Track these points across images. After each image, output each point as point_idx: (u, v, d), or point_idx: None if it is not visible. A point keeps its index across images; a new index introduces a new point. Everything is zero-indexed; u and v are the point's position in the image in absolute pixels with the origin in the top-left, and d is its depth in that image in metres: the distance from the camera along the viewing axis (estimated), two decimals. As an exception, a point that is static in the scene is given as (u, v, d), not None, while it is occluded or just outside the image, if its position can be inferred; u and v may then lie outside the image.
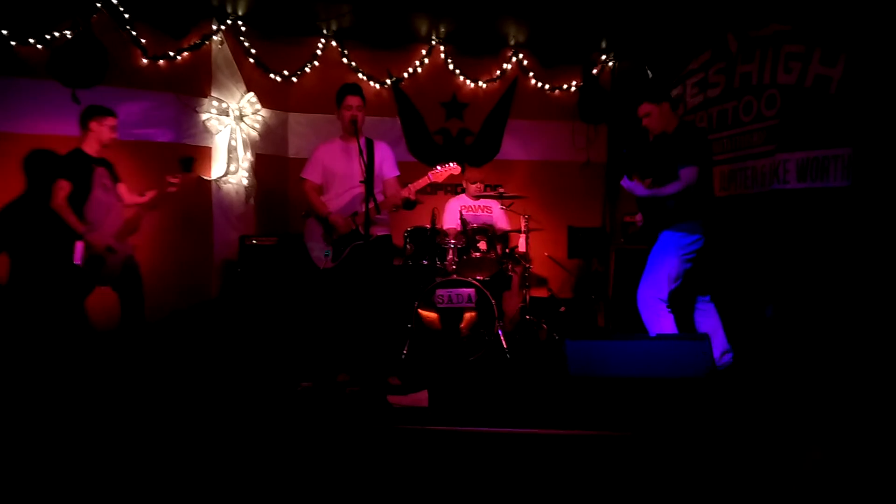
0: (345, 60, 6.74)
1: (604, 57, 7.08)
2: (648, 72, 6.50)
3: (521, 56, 7.03)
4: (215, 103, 6.18)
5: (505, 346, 5.09)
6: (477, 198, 6.07)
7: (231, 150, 6.28)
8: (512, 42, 6.96)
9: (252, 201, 6.47)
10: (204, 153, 6.19)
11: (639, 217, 4.64)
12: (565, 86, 7.12)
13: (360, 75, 6.73)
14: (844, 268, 4.38)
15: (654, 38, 6.44)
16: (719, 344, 4.29)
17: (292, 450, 3.09)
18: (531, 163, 7.17)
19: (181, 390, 4.31)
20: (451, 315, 5.18)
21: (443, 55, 6.91)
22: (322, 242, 4.52)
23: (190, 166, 4.86)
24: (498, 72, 7.02)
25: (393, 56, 6.86)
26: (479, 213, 6.07)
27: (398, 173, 4.65)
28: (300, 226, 4.75)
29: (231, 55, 6.31)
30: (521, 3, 5.98)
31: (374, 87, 6.78)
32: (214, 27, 6.17)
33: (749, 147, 5.30)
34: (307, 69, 6.68)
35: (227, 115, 6.24)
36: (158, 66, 5.91)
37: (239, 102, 6.32)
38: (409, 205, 4.58)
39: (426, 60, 6.90)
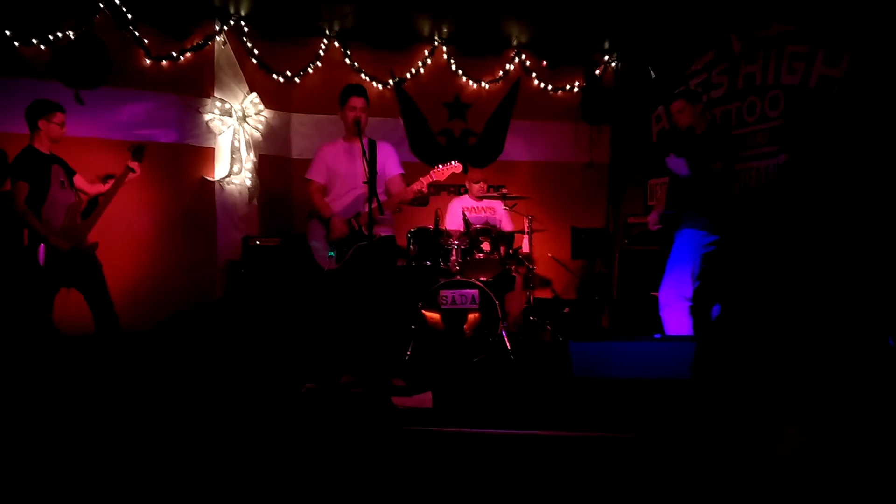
0: (347, 61, 6.74)
1: (606, 57, 7.08)
2: (651, 72, 6.50)
3: (523, 56, 7.03)
4: (218, 104, 6.18)
5: (509, 348, 5.08)
6: (480, 198, 6.06)
7: (234, 150, 6.28)
8: (514, 42, 6.96)
9: (255, 202, 6.47)
10: (207, 154, 6.20)
11: (651, 217, 4.62)
12: (568, 86, 7.12)
13: (362, 76, 6.73)
14: (845, 269, 4.37)
15: (656, 39, 6.43)
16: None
17: (296, 451, 3.09)
18: (534, 163, 7.16)
19: (184, 391, 4.31)
20: (454, 316, 5.17)
21: (445, 56, 6.91)
22: (325, 243, 4.51)
23: (140, 155, 4.66)
24: (500, 72, 7.02)
25: (395, 56, 6.86)
26: (483, 213, 6.06)
27: (402, 171, 4.64)
28: (303, 226, 4.74)
29: (234, 56, 6.31)
30: (523, 3, 5.98)
31: (377, 87, 6.78)
32: (217, 27, 6.17)
33: (753, 147, 5.29)
34: (310, 70, 6.68)
35: (231, 115, 6.25)
36: (161, 66, 5.92)
37: (242, 103, 6.32)
38: (423, 200, 4.54)
39: (429, 61, 6.90)
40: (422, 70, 6.90)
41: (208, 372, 4.82)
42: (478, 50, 6.95)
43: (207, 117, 6.15)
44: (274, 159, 6.63)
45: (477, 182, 6.05)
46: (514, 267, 5.75)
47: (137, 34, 5.76)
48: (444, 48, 6.90)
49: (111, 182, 4.61)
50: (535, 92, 7.08)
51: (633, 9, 5.94)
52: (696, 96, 4.51)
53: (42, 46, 5.36)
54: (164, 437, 3.21)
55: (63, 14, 5.41)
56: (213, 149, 6.23)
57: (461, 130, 7.06)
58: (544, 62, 7.06)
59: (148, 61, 5.84)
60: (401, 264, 5.52)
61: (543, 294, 6.60)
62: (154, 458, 2.98)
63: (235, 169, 6.28)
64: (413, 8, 6.18)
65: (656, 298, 4.41)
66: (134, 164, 4.61)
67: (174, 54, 5.96)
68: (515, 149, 7.12)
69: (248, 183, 6.39)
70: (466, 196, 6.22)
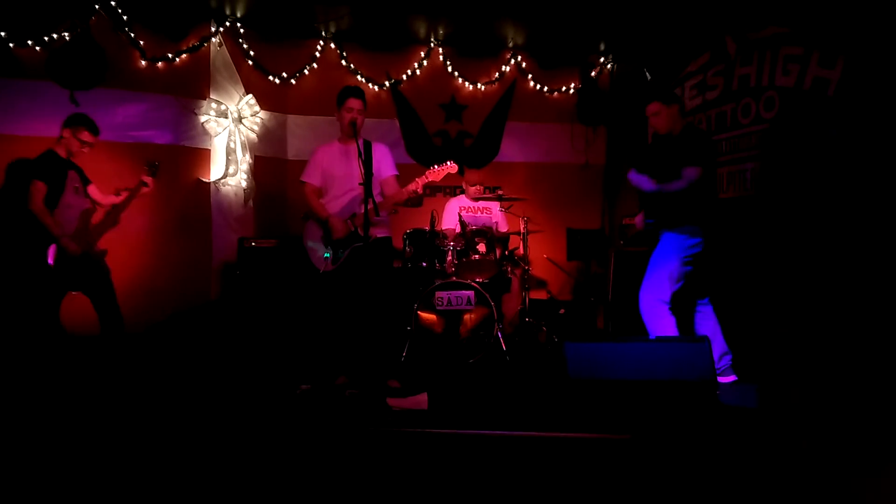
0: (343, 62, 6.74)
1: (602, 59, 7.09)
2: (647, 74, 6.51)
3: (519, 58, 7.04)
4: (214, 105, 6.17)
5: (504, 349, 5.09)
6: (477, 199, 6.07)
7: (230, 152, 6.28)
8: (510, 44, 6.97)
9: (251, 203, 6.46)
10: (203, 155, 6.19)
11: (638, 219, 4.64)
12: (564, 88, 7.13)
13: (358, 77, 6.73)
14: (848, 269, 4.39)
15: (652, 41, 6.44)
16: (718, 346, 4.30)
17: (291, 453, 3.09)
18: (530, 165, 7.17)
19: (179, 393, 4.30)
20: (450, 317, 5.18)
21: (441, 57, 6.92)
22: (321, 245, 4.51)
23: (155, 171, 4.77)
24: (496, 74, 7.03)
25: (391, 58, 6.86)
26: (480, 214, 6.07)
27: (396, 172, 4.64)
28: (299, 228, 4.74)
29: (230, 57, 6.30)
30: (519, 5, 5.98)
31: (373, 88, 6.78)
32: (213, 29, 6.17)
33: (748, 149, 5.30)
34: (306, 71, 6.67)
35: (226, 117, 6.24)
36: (157, 68, 5.91)
37: (238, 104, 6.32)
38: (417, 201, 4.54)
39: (425, 62, 6.90)
40: (418, 71, 6.90)
41: (203, 373, 4.81)
42: (474, 51, 6.96)
43: (203, 119, 6.15)
44: (270, 161, 6.62)
45: (473, 184, 6.06)
46: (509, 268, 5.76)
47: (133, 35, 5.75)
48: (440, 50, 6.91)
49: (124, 194, 4.73)
50: (531, 93, 7.09)
51: (629, 10, 5.94)
52: (672, 97, 4.45)
53: (37, 47, 5.35)
54: (159, 439, 3.20)
55: (58, 15, 5.40)
56: (209, 150, 6.23)
57: (457, 132, 7.07)
58: (540, 64, 7.07)
59: (143, 62, 5.84)
60: (397, 265, 5.52)
61: (539, 295, 6.61)
62: (149, 460, 2.97)
63: (231, 170, 6.28)
64: (409, 9, 6.18)
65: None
66: (148, 179, 4.73)
67: (170, 56, 5.95)
68: (511, 150, 7.13)
69: (244, 184, 6.38)
70: (463, 196, 6.22)
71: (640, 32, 6.40)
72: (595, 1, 5.76)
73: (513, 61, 7.03)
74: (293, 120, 6.79)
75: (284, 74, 6.62)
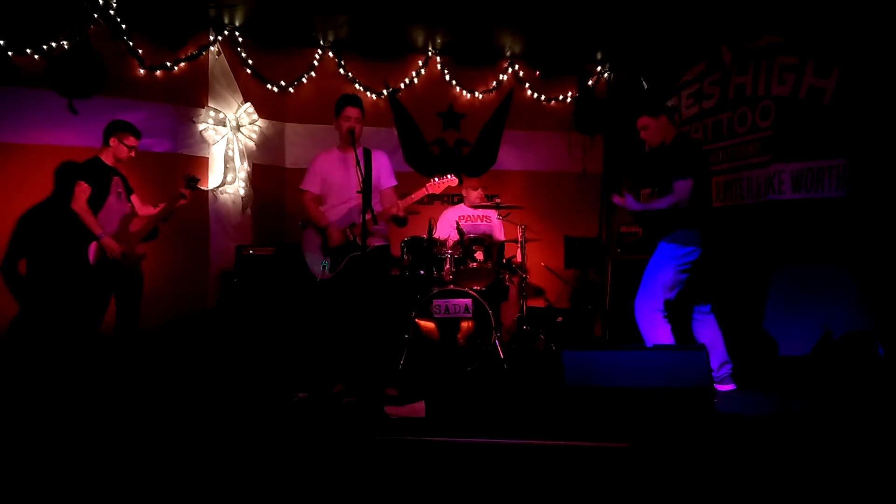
0: (341, 71, 6.76)
1: (599, 68, 7.12)
2: (644, 83, 6.54)
3: (516, 67, 7.07)
4: (212, 114, 6.19)
5: (502, 357, 5.08)
6: (475, 207, 6.07)
7: (228, 160, 6.28)
8: (508, 53, 7.00)
9: (249, 211, 6.47)
10: (201, 163, 6.19)
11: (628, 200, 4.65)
12: (561, 96, 7.16)
13: (356, 86, 6.75)
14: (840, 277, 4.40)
15: (649, 50, 6.48)
16: (718, 355, 4.29)
17: (288, 461, 3.08)
18: (527, 173, 7.18)
19: (177, 400, 4.29)
20: (448, 325, 5.17)
21: (439, 66, 6.94)
22: (319, 253, 4.52)
23: (194, 185, 4.94)
24: (494, 82, 7.05)
25: (389, 67, 6.89)
26: (479, 222, 6.06)
27: (395, 183, 4.65)
28: (297, 236, 4.74)
29: (228, 66, 6.32)
30: (516, 14, 6.01)
31: (371, 97, 6.80)
32: (211, 38, 6.19)
33: (744, 158, 5.32)
34: (304, 80, 6.69)
35: (224, 125, 6.25)
36: (155, 76, 5.93)
37: (236, 113, 6.33)
38: (400, 222, 4.56)
39: (423, 71, 6.93)
40: (416, 80, 6.93)
41: (201, 381, 4.80)
42: (471, 60, 6.99)
43: (201, 127, 6.16)
44: (268, 169, 6.64)
45: (476, 189, 6.04)
46: (507, 276, 5.76)
47: (132, 44, 5.76)
48: (438, 58, 6.93)
49: (161, 206, 4.88)
50: (529, 102, 7.11)
51: (626, 20, 5.98)
52: (658, 109, 4.44)
53: (36, 56, 5.36)
54: (156, 447, 3.20)
55: (57, 24, 5.41)
56: (207, 158, 6.23)
57: (455, 140, 7.09)
58: (537, 72, 7.10)
59: (142, 71, 5.85)
60: (394, 274, 5.52)
61: (537, 303, 6.61)
62: (146, 468, 2.97)
63: (229, 178, 6.28)
64: (407, 19, 6.21)
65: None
66: (186, 192, 4.86)
67: (168, 64, 5.97)
68: (509, 158, 7.14)
69: (242, 192, 6.39)
70: (461, 205, 6.23)
71: (637, 41, 6.44)
72: (592, 10, 5.79)
73: (510, 70, 7.05)
74: (291, 128, 6.80)
75: (282, 83, 6.64)
